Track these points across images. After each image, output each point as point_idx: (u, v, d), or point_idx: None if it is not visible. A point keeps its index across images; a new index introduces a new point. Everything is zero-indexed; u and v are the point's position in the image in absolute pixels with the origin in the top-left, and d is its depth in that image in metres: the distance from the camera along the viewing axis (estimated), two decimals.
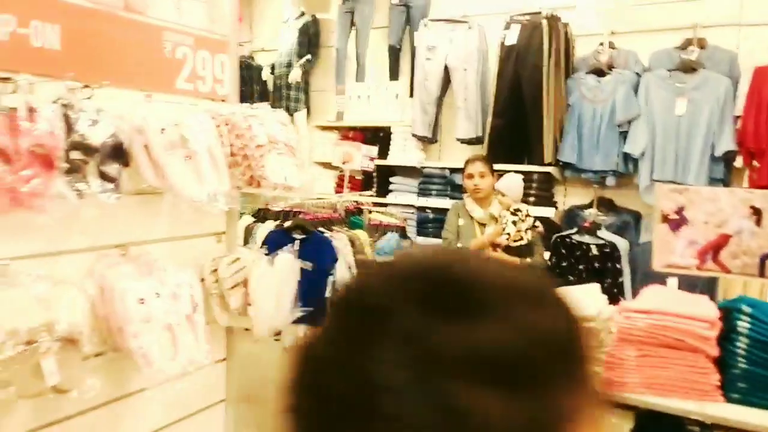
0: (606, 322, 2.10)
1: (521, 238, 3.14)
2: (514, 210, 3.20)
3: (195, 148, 1.86)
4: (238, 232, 2.45)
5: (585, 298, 2.30)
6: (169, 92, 2.00)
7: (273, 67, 5.42)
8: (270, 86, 5.41)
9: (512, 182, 3.33)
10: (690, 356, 1.92)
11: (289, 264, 2.20)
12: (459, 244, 3.24)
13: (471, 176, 3.33)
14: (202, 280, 2.08)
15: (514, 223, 3.15)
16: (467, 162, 3.39)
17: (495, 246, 3.14)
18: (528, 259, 3.18)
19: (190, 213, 1.98)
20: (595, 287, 2.37)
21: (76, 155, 1.63)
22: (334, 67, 5.14)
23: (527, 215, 3.23)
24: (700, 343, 1.90)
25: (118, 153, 1.75)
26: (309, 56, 5.26)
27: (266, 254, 2.22)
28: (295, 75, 5.19)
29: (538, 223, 3.30)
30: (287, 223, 3.37)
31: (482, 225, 3.29)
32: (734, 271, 2.16)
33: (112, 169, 1.73)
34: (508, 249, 3.13)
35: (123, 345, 1.77)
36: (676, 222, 2.18)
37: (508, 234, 3.12)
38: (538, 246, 3.32)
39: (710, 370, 1.92)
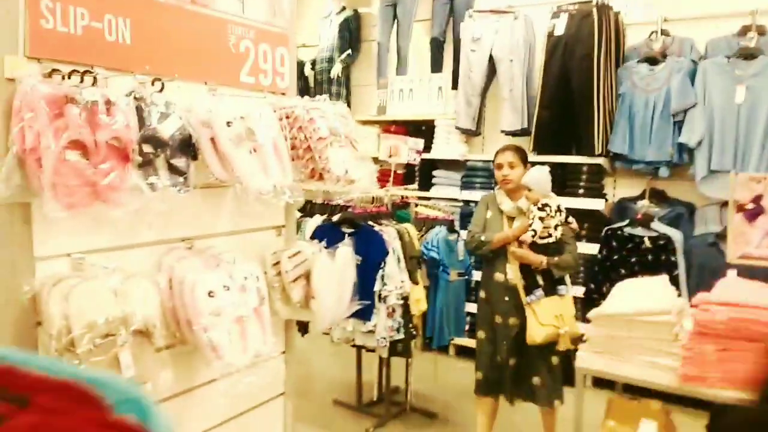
0: (680, 315, 2.02)
1: (549, 235, 2.86)
2: (542, 205, 2.88)
3: (261, 141, 1.85)
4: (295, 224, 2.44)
5: (655, 290, 2.22)
6: (232, 85, 2.00)
7: (314, 63, 5.42)
8: (311, 82, 5.41)
9: (539, 176, 2.89)
10: None
11: (348, 257, 2.18)
12: (483, 237, 2.98)
13: (500, 166, 3.01)
14: (264, 273, 2.07)
15: (542, 219, 2.86)
16: (498, 152, 3.08)
17: (520, 242, 2.89)
18: (555, 258, 2.88)
19: (252, 206, 1.97)
20: (663, 279, 2.30)
21: (147, 149, 1.63)
22: (376, 62, 5.11)
23: (558, 210, 2.91)
24: None
25: (187, 146, 1.74)
26: (350, 51, 5.24)
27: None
28: (337, 70, 5.18)
29: (571, 219, 2.98)
30: (335, 217, 3.35)
31: (510, 219, 2.99)
32: None
33: (181, 162, 1.73)
34: (534, 246, 2.87)
35: (192, 338, 1.77)
36: (753, 212, 2.09)
37: (534, 230, 2.84)
38: (571, 244, 2.97)
39: None
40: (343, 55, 5.20)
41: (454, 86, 4.74)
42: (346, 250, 2.19)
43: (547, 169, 2.95)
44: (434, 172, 4.95)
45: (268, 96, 2.10)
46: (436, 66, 4.91)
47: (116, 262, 1.67)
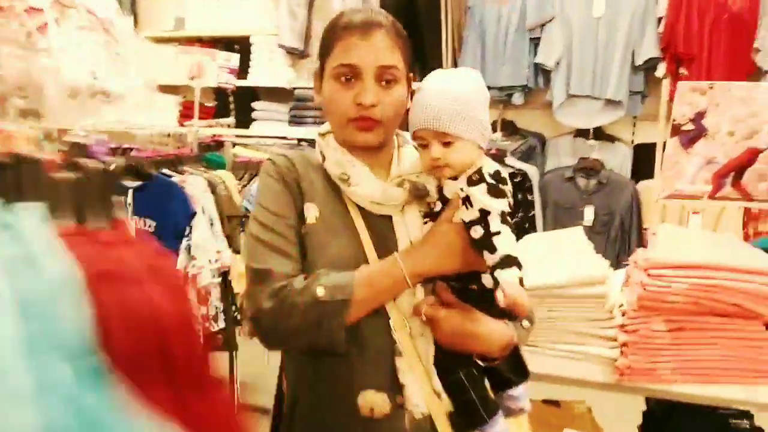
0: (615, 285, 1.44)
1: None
2: (476, 176, 1.51)
3: None
4: None
5: (569, 248, 1.62)
6: None
7: None
8: None
9: (464, 89, 1.71)
10: (746, 326, 1.33)
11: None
12: (322, 284, 1.29)
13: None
14: None
15: (481, 216, 1.67)
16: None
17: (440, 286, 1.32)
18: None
19: None
20: (577, 231, 1.71)
21: None
22: None
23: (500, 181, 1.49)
24: (761, 306, 1.30)
25: None
26: None
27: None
28: None
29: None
30: (112, 165, 2.32)
31: (382, 220, 1.79)
32: (759, 197, 1.59)
33: None
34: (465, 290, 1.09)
35: None
36: (691, 135, 1.55)
37: (484, 242, 1.66)
38: None
39: None
40: None
41: None
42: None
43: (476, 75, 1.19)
44: (254, 104, 4.02)
45: None
46: None
47: None
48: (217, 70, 2.73)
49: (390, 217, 1.09)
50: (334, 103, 1.06)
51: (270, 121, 4.01)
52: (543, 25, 3.41)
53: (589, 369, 1.44)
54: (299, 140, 3.79)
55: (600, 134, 3.61)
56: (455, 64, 3.58)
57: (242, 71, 3.83)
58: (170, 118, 3.76)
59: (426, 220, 1.09)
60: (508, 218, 1.00)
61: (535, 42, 3.47)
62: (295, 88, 3.89)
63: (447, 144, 1.02)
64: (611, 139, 3.65)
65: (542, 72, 3.52)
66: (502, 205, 1.00)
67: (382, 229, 1.09)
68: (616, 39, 3.31)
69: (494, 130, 3.74)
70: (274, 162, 1.13)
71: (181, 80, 2.90)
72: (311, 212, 1.08)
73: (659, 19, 3.24)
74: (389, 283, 1.03)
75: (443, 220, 1.05)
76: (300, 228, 1.07)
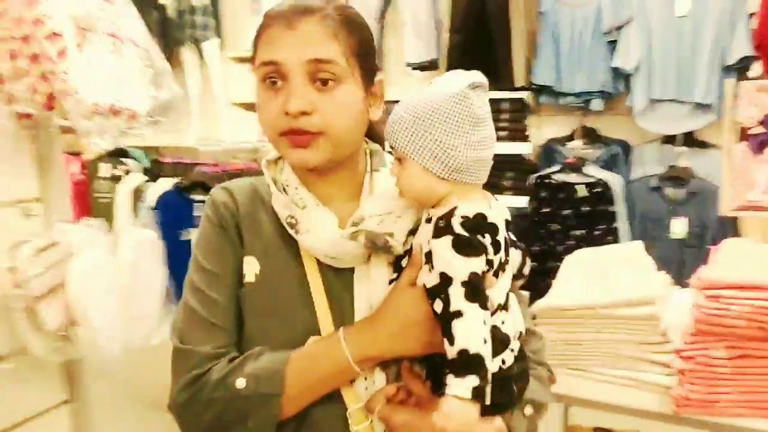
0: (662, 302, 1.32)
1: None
2: (464, 218, 1.03)
3: None
4: (68, 195, 1.52)
5: (623, 265, 1.50)
6: None
7: None
8: (171, 12, 4.35)
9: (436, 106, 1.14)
10: None
11: (147, 247, 1.32)
12: (249, 371, 1.02)
13: None
14: None
15: (471, 283, 0.91)
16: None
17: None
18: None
19: None
20: (635, 247, 1.59)
21: None
22: None
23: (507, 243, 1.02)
24: None
25: None
26: None
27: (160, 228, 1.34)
28: None
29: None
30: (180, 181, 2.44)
31: (337, 275, 1.05)
32: None
33: None
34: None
35: None
36: (761, 139, 1.39)
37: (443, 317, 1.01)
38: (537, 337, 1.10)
39: None
40: None
41: None
42: (140, 235, 1.32)
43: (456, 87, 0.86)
44: None
45: None
46: None
47: None
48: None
49: (350, 271, 0.85)
50: (261, 114, 0.83)
51: None
52: (620, 28, 3.23)
53: (643, 397, 1.32)
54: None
55: (691, 140, 3.36)
56: (528, 72, 3.47)
57: None
58: (252, 137, 3.92)
59: (394, 275, 0.84)
60: (485, 286, 0.75)
61: (613, 45, 3.29)
62: None
63: (400, 162, 0.81)
64: (703, 145, 3.38)
65: (622, 76, 3.33)
66: (470, 267, 0.74)
67: (343, 288, 0.85)
68: (702, 38, 3.07)
69: (572, 137, 3.59)
70: (214, 199, 0.91)
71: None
72: (251, 267, 0.86)
73: (750, 15, 2.97)
74: (330, 369, 0.80)
75: (401, 285, 0.81)
76: (237, 289, 0.86)
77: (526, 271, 0.95)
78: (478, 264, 0.75)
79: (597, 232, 3.29)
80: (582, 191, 3.29)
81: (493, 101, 3.26)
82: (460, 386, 0.69)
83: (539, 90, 3.50)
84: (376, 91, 0.88)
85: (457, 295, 0.73)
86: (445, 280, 0.74)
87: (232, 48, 4.24)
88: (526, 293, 1.84)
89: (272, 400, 0.79)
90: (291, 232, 0.85)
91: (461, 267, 0.74)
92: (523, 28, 3.41)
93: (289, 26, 0.78)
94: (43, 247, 1.21)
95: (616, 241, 3.24)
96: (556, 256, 3.11)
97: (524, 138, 3.56)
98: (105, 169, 3.29)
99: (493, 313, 0.78)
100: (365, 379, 0.82)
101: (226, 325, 0.85)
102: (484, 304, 0.74)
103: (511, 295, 0.84)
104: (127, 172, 3.11)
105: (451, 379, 0.70)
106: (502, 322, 0.80)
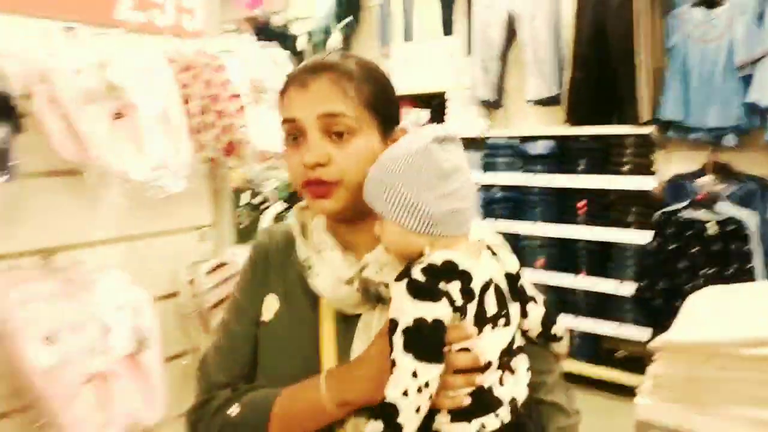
0: None
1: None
2: (449, 270, 0.97)
3: (132, 101, 1.21)
4: (232, 223, 1.79)
5: (754, 304, 1.49)
6: (104, 24, 1.36)
7: (310, 35, 4.77)
8: (307, 57, 4.77)
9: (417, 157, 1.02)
10: None
11: None
12: (234, 411, 1.05)
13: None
14: (172, 295, 1.44)
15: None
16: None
17: None
18: None
19: (154, 202, 1.34)
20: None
21: None
22: (378, 28, 4.43)
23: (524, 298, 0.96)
24: None
25: (4, 110, 1.12)
26: (350, 18, 4.57)
27: None
28: (335, 41, 4.52)
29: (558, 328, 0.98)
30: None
31: (344, 321, 1.10)
32: None
33: None
34: None
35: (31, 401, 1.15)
36: None
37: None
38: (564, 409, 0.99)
39: None
40: (342, 24, 4.54)
41: (470, 51, 4.02)
42: None
43: (425, 142, 0.83)
44: None
45: (165, 39, 1.45)
46: (447, 28, 4.20)
47: None
48: (409, 126, 3.01)
49: (355, 318, 0.87)
50: (288, 170, 0.88)
51: None
52: (754, 62, 3.11)
53: None
54: (488, 186, 3.94)
55: None
56: (654, 107, 3.43)
57: (440, 123, 4.11)
58: None
59: None
60: (443, 335, 0.73)
61: (746, 80, 3.17)
62: (487, 138, 4.04)
63: (381, 220, 0.81)
64: None
65: (757, 111, 3.19)
66: (419, 311, 0.72)
67: (350, 334, 0.87)
68: None
69: (702, 173, 3.46)
70: (256, 239, 1.00)
71: None
72: (271, 306, 0.92)
73: None
74: (309, 410, 0.83)
75: (382, 331, 0.81)
76: (257, 325, 0.93)
77: (560, 332, 0.91)
78: (432, 310, 0.73)
79: (729, 272, 3.14)
80: (712, 228, 3.16)
81: (617, 137, 3.26)
82: (368, 429, 0.72)
83: (666, 125, 3.44)
84: (397, 139, 0.88)
85: (397, 342, 0.73)
86: (393, 325, 0.74)
87: None
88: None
89: (259, 429, 0.84)
90: (305, 275, 0.89)
91: (408, 311, 0.73)
92: (649, 63, 3.39)
93: (303, 86, 0.85)
94: (216, 266, 1.46)
95: (750, 281, 3.07)
96: (683, 295, 3.01)
97: (650, 173, 3.50)
98: (244, 198, 3.66)
99: (482, 370, 0.76)
100: (355, 422, 0.83)
101: (241, 358, 0.92)
102: (428, 354, 0.72)
103: (522, 357, 0.83)
104: (264, 201, 3.45)
105: (371, 422, 0.73)
106: (500, 383, 0.78)
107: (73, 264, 1.27)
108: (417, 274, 0.74)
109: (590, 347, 3.73)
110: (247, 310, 0.94)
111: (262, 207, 3.51)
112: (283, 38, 4.72)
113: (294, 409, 0.84)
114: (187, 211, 1.53)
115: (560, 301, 3.73)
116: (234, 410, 0.86)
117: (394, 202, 0.78)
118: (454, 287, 0.74)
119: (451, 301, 0.73)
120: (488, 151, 4.03)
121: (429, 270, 0.74)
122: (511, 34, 3.84)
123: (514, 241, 3.79)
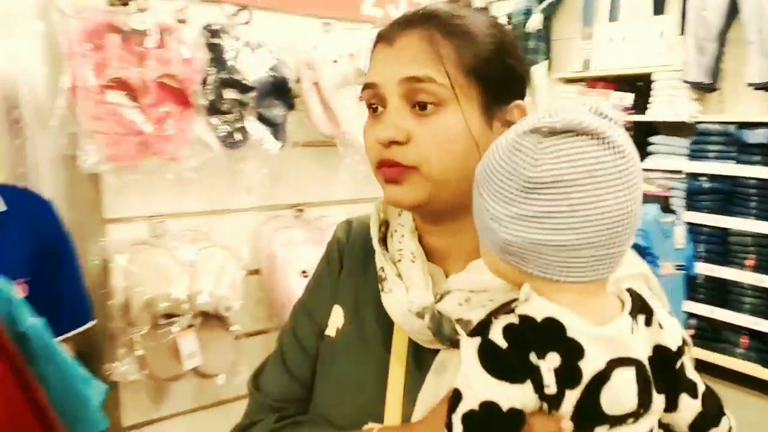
0: None
1: None
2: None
3: None
4: None
5: None
6: (351, 19, 1.63)
7: (510, 17, 4.82)
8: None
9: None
10: None
11: None
12: None
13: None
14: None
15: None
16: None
17: None
18: None
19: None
20: None
21: (230, 94, 1.34)
22: (581, 8, 4.34)
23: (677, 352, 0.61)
24: None
25: (282, 92, 1.43)
26: None
27: None
28: (535, 22, 4.52)
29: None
30: None
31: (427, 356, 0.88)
32: None
33: (273, 112, 1.42)
34: None
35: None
36: None
37: None
38: None
39: None
40: (544, 4, 4.52)
41: (682, 31, 3.79)
42: None
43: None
44: (651, 139, 4.05)
45: None
46: (659, 7, 3.99)
47: (204, 230, 1.44)
48: (610, 108, 2.98)
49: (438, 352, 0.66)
50: (366, 149, 0.68)
51: (668, 155, 3.99)
52: None
53: None
54: (695, 175, 3.71)
55: None
56: None
57: (641, 107, 3.95)
58: None
59: None
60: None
61: None
62: (697, 122, 3.79)
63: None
64: None
65: None
66: (488, 392, 0.50)
67: (426, 368, 0.67)
68: None
69: None
70: (335, 232, 0.81)
71: None
72: (336, 319, 0.74)
73: None
74: None
75: (447, 397, 0.56)
76: (321, 337, 0.76)
77: None
78: (509, 394, 0.49)
79: None
80: None
81: None
82: None
83: None
84: (511, 120, 0.66)
85: (455, 426, 0.51)
86: (455, 399, 0.52)
87: (559, 70, 4.53)
88: None
89: None
90: (380, 287, 0.69)
91: (476, 387, 0.50)
92: None
93: (389, 42, 0.65)
94: None
95: None
96: None
97: None
98: None
99: None
100: None
101: (296, 374, 0.76)
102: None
103: None
104: None
105: None
106: None
107: (319, 217, 1.58)
108: (496, 334, 0.51)
109: None
110: (313, 318, 0.77)
111: None
112: None
113: None
114: None
115: None
116: None
117: (476, 209, 0.57)
118: (548, 363, 0.50)
119: (539, 385, 0.50)
120: (698, 137, 3.78)
121: (515, 330, 0.51)
122: (732, 10, 3.55)
123: (721, 237, 3.55)
